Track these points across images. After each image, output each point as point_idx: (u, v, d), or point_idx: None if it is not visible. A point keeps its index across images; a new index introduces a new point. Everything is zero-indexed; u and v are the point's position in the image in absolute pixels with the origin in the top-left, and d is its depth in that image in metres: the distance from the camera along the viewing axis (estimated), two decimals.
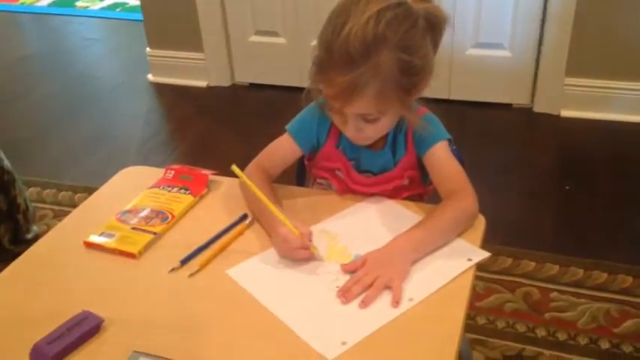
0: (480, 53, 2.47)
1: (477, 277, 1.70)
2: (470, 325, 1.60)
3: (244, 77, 2.88)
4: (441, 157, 1.03)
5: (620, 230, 1.89)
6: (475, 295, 1.69)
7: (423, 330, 0.82)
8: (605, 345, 1.53)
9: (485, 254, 0.95)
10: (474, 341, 1.56)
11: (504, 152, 2.29)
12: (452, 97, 2.52)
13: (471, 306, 1.65)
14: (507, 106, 2.52)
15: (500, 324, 1.61)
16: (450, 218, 0.96)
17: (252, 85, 2.87)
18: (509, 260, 1.79)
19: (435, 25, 0.95)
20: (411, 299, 0.86)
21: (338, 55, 0.91)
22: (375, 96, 0.92)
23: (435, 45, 0.98)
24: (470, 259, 0.93)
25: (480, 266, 1.73)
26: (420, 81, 0.96)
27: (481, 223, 1.00)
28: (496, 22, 2.39)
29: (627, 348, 1.51)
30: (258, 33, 2.75)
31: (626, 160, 2.19)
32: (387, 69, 0.91)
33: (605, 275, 1.71)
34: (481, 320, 1.62)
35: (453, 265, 0.91)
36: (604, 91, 2.36)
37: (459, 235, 0.97)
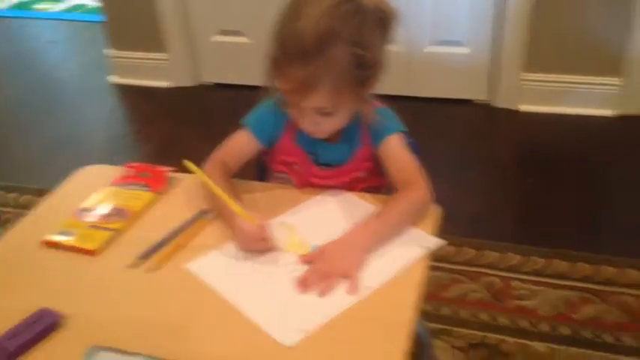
0: (438, 50, 2.50)
1: (440, 269, 1.77)
2: (435, 316, 1.63)
3: (210, 77, 2.87)
4: (395, 149, 1.06)
5: (579, 220, 1.94)
6: (439, 286, 1.72)
7: (378, 316, 0.84)
8: (565, 331, 1.57)
9: (440, 242, 0.97)
10: (440, 331, 1.59)
11: (465, 147, 2.34)
12: (412, 94, 2.54)
13: (436, 296, 1.70)
14: (467, 102, 2.56)
15: (465, 313, 1.64)
16: (404, 208, 0.99)
17: (219, 85, 2.87)
18: (472, 251, 1.83)
19: (384, 19, 0.98)
20: (367, 287, 0.88)
21: (292, 50, 0.93)
22: (330, 90, 0.94)
23: (386, 39, 1.00)
24: (425, 247, 0.95)
25: (444, 257, 1.80)
26: (373, 75, 0.98)
27: (436, 212, 1.03)
28: (453, 20, 2.43)
29: (587, 334, 1.56)
30: (222, 32, 2.75)
31: (583, 152, 2.25)
32: (341, 63, 0.93)
33: (564, 264, 1.76)
34: (446, 310, 1.66)
35: (409, 253, 0.94)
36: (561, 86, 2.41)
37: (415, 224, 0.99)
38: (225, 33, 2.74)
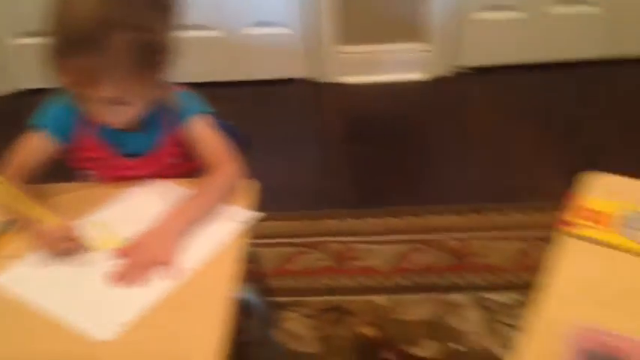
0: (257, 32, 2.50)
1: (284, 244, 1.82)
2: (283, 289, 1.68)
3: (20, 83, 2.65)
4: (201, 131, 1.06)
5: (405, 179, 2.08)
6: (284, 260, 1.77)
7: (197, 297, 0.85)
8: (404, 282, 1.69)
9: (256, 215, 1.00)
10: (290, 303, 1.64)
11: (297, 124, 2.38)
12: (239, 79, 2.50)
13: (282, 271, 1.74)
14: (293, 81, 2.59)
15: (312, 282, 1.71)
16: (214, 188, 1.00)
17: (32, 91, 2.65)
18: (314, 222, 1.90)
19: (163, 1, 0.96)
20: (184, 270, 0.88)
21: (69, 42, 0.89)
22: (118, 78, 0.92)
23: (170, 21, 0.98)
24: (239, 222, 0.97)
25: (286, 232, 1.85)
26: (162, 58, 0.97)
27: (253, 187, 1.05)
28: (269, 0, 2.46)
29: (423, 280, 1.69)
30: (26, 35, 2.54)
31: (403, 115, 2.40)
32: (123, 50, 0.90)
33: (396, 220, 1.88)
34: (293, 282, 1.71)
35: (224, 230, 0.95)
36: (377, 55, 2.54)
37: (230, 201, 1.01)
38: (28, 35, 2.54)
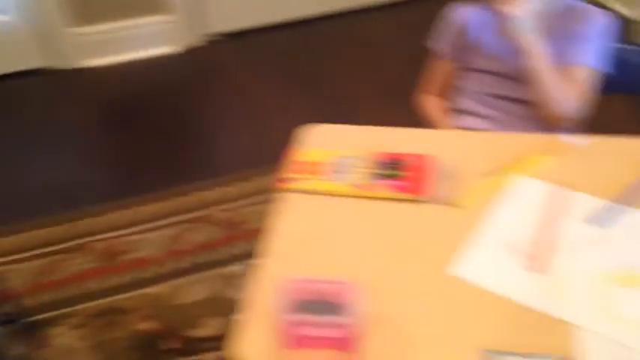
0: None
1: (38, 255, 1.64)
2: (44, 304, 1.53)
3: None
4: None
5: (169, 158, 1.99)
6: (41, 273, 1.61)
7: None
8: (184, 264, 1.62)
9: None
10: (54, 317, 1.49)
11: (43, 120, 2.16)
12: None
13: (41, 284, 1.58)
14: (29, 72, 2.34)
15: (79, 288, 1.57)
16: None
17: None
18: (73, 224, 1.74)
19: None
20: None
21: None
22: None
23: None
24: None
25: (43, 241, 1.67)
26: None
27: None
28: None
29: (201, 259, 1.63)
30: None
31: (160, 92, 2.29)
32: None
33: (164, 204, 1.80)
34: (57, 294, 1.56)
35: None
36: (119, 33, 2.39)
37: None
38: None
